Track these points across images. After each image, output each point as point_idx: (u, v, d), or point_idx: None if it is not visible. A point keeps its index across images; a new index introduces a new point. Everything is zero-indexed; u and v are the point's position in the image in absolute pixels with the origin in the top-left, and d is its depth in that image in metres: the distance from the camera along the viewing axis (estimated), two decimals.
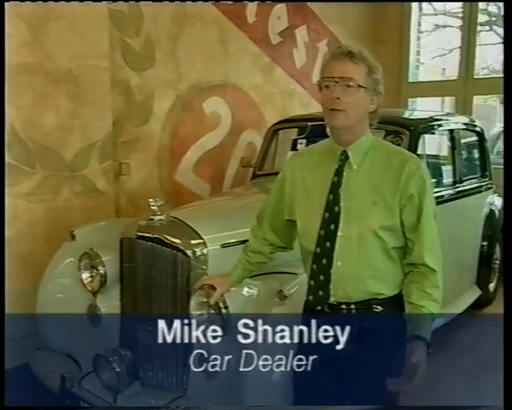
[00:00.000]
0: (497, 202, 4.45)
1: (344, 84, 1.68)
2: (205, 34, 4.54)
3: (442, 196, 3.47)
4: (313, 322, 1.85)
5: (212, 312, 2.19)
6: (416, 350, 1.70)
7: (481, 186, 4.27)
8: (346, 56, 1.69)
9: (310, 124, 3.62)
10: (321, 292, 1.78)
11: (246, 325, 2.19)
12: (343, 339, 1.78)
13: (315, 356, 1.85)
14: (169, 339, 2.42)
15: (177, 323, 2.40)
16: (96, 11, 3.56)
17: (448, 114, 4.80)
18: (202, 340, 2.25)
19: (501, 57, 5.87)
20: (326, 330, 1.81)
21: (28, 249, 3.40)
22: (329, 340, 1.81)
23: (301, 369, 1.91)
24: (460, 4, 6.21)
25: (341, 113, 1.70)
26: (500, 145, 6.11)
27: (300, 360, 1.92)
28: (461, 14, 6.17)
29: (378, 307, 1.76)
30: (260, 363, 2.01)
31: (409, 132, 3.28)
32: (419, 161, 1.80)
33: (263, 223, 2.04)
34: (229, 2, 4.67)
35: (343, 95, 1.68)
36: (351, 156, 1.77)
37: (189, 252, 2.38)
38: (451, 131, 3.90)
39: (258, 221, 2.07)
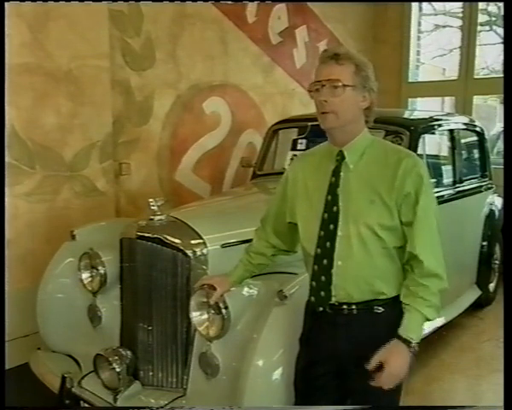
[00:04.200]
0: (497, 202, 4.45)
1: (330, 85, 1.69)
2: (205, 34, 4.54)
3: (442, 196, 3.47)
4: (315, 322, 1.86)
5: (212, 312, 2.19)
6: (392, 348, 1.66)
7: (481, 186, 4.27)
8: (332, 59, 1.71)
9: (310, 124, 3.62)
10: (322, 293, 1.78)
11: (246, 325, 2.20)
12: (344, 339, 1.78)
13: (316, 356, 1.85)
14: (169, 339, 2.43)
15: (176, 323, 2.41)
16: (96, 11, 3.56)
17: (448, 114, 4.79)
18: (202, 340, 2.26)
19: (501, 57, 5.88)
20: (327, 330, 1.81)
21: (28, 249, 3.40)
22: (330, 340, 1.81)
23: (302, 369, 1.92)
24: (460, 4, 6.21)
25: (331, 114, 1.71)
26: (500, 145, 6.12)
27: (302, 360, 1.92)
28: (461, 14, 6.18)
29: (379, 307, 1.76)
30: (260, 363, 2.02)
31: (409, 132, 3.28)
32: (416, 158, 1.79)
33: (266, 225, 2.06)
34: (229, 2, 4.68)
35: (330, 96, 1.69)
36: (347, 156, 1.77)
37: (189, 252, 2.38)
38: (451, 131, 3.90)
39: (262, 224, 2.08)
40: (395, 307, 1.76)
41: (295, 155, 3.58)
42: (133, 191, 4.13)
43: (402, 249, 1.76)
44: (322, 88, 1.71)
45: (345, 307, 1.76)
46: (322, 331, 1.83)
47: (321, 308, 1.80)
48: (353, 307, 1.76)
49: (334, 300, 1.76)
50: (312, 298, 1.83)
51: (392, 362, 1.65)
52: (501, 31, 6.83)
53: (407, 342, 1.67)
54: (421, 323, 1.70)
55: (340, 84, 1.68)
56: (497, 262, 4.56)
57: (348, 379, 1.81)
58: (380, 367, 1.66)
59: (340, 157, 1.78)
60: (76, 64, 3.50)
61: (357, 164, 1.77)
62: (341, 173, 1.77)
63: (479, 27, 6.08)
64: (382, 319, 1.75)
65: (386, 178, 1.72)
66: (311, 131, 3.62)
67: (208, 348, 2.23)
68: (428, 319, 1.71)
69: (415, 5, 6.40)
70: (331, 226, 1.75)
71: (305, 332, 1.91)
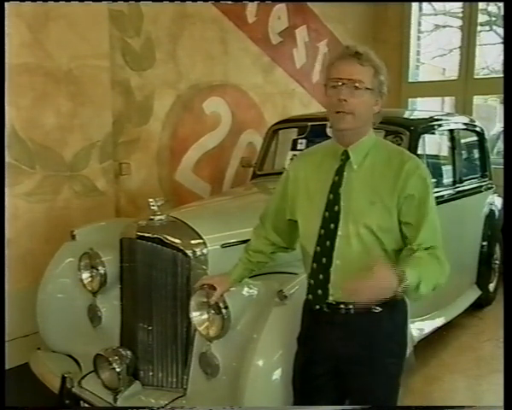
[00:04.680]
0: (497, 202, 4.45)
1: (351, 85, 1.67)
2: (205, 34, 4.54)
3: (442, 196, 3.47)
4: (312, 321, 1.86)
5: (212, 312, 2.19)
6: (387, 267, 1.56)
7: (481, 186, 4.27)
8: (354, 57, 1.68)
9: (310, 124, 3.63)
10: (320, 291, 1.78)
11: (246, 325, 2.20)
12: (341, 338, 1.78)
13: (313, 356, 1.85)
14: (169, 339, 2.43)
15: (176, 323, 2.42)
16: (96, 11, 3.56)
17: (448, 114, 4.79)
18: (202, 340, 2.26)
19: (501, 57, 5.88)
20: (324, 330, 1.81)
21: (28, 249, 3.40)
22: (327, 339, 1.81)
23: (300, 368, 1.92)
24: (460, 4, 6.21)
25: (348, 115, 1.69)
26: (500, 145, 6.11)
27: (299, 359, 1.92)
28: (461, 14, 6.17)
29: (377, 307, 1.74)
30: (260, 363, 2.02)
31: (409, 132, 3.28)
32: (418, 161, 1.79)
33: (265, 222, 2.05)
34: (229, 2, 4.68)
35: (350, 97, 1.67)
36: (351, 156, 1.77)
37: (189, 252, 2.38)
38: (451, 131, 3.90)
39: (261, 221, 2.07)
40: (393, 307, 1.76)
41: (295, 155, 3.58)
42: (133, 191, 4.12)
43: (400, 252, 1.75)
44: (341, 86, 1.67)
45: (342, 306, 1.76)
46: (319, 330, 1.82)
47: (318, 307, 1.80)
48: (351, 306, 1.75)
49: (331, 299, 1.76)
50: (310, 296, 1.83)
51: (379, 273, 1.53)
52: (501, 31, 6.83)
53: (401, 275, 1.54)
54: (415, 279, 1.57)
55: (361, 85, 1.66)
56: (497, 262, 4.56)
57: (346, 379, 1.81)
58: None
59: (345, 157, 1.77)
60: (76, 64, 3.50)
61: (360, 164, 1.76)
62: (345, 173, 1.77)
63: (479, 27, 6.08)
64: (380, 318, 1.74)
65: (389, 179, 1.72)
66: (311, 131, 3.62)
67: (208, 348, 2.23)
68: (418, 289, 1.59)
69: (415, 5, 6.40)
70: (332, 225, 1.75)
71: (303, 331, 1.91)
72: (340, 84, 1.68)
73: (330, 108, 1.73)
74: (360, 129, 1.75)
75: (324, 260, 1.76)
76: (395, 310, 1.78)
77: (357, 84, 1.66)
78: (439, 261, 1.70)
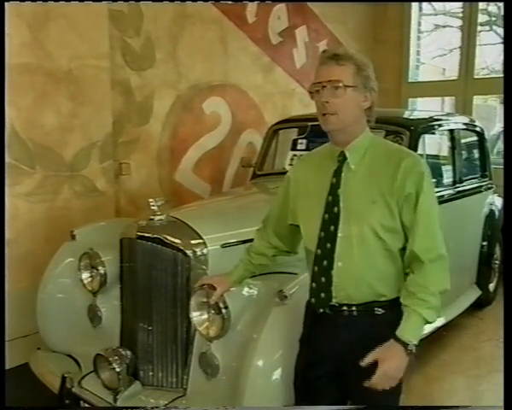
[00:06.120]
0: (497, 202, 4.45)
1: (331, 87, 1.68)
2: (205, 34, 4.54)
3: (442, 196, 3.46)
4: (315, 323, 1.86)
5: (212, 312, 2.19)
6: (388, 348, 1.64)
7: (481, 186, 4.27)
8: (332, 59, 1.70)
9: (310, 124, 3.61)
10: (323, 294, 1.77)
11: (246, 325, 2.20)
12: (344, 340, 1.78)
13: (316, 357, 1.85)
14: (169, 339, 2.43)
15: (176, 323, 2.42)
16: (96, 11, 3.56)
17: (448, 114, 4.79)
18: (202, 340, 2.26)
19: (501, 57, 5.88)
20: (327, 331, 1.81)
21: (28, 249, 3.40)
22: (330, 341, 1.81)
23: (302, 370, 1.91)
24: (460, 4, 6.21)
25: (333, 116, 1.70)
26: (500, 145, 6.12)
27: (302, 360, 1.92)
28: (461, 14, 6.18)
29: (379, 309, 1.75)
30: (260, 363, 2.02)
31: (409, 132, 3.28)
32: (417, 157, 1.79)
33: (267, 226, 2.05)
34: (229, 2, 4.68)
35: (331, 97, 1.69)
36: (348, 157, 1.76)
37: (189, 252, 2.38)
38: (451, 131, 3.90)
39: (264, 224, 2.08)
40: (396, 309, 1.75)
41: (295, 155, 3.59)
42: (133, 191, 4.12)
43: (404, 251, 1.75)
44: (322, 89, 1.70)
45: (345, 308, 1.76)
46: (322, 332, 1.82)
47: (321, 310, 1.79)
48: (353, 308, 1.75)
49: (334, 301, 1.76)
50: (313, 299, 1.82)
51: (386, 363, 1.62)
52: (501, 31, 6.83)
53: (404, 345, 1.63)
54: (420, 325, 1.67)
55: (341, 84, 1.67)
56: (497, 262, 4.55)
57: (348, 380, 1.80)
58: (375, 367, 1.64)
59: (342, 158, 1.77)
60: (76, 64, 3.51)
61: (358, 164, 1.76)
62: (343, 174, 1.76)
63: (479, 27, 6.08)
64: (383, 320, 1.74)
65: (388, 177, 1.72)
66: (311, 131, 3.61)
67: (208, 348, 2.23)
68: (428, 322, 1.67)
69: (415, 5, 6.40)
70: (331, 227, 1.74)
71: (306, 333, 1.90)
72: (320, 87, 1.70)
73: (317, 111, 1.75)
74: (351, 128, 1.75)
75: (325, 262, 1.75)
76: (397, 311, 1.78)
77: (335, 85, 1.68)
78: (435, 275, 1.69)
